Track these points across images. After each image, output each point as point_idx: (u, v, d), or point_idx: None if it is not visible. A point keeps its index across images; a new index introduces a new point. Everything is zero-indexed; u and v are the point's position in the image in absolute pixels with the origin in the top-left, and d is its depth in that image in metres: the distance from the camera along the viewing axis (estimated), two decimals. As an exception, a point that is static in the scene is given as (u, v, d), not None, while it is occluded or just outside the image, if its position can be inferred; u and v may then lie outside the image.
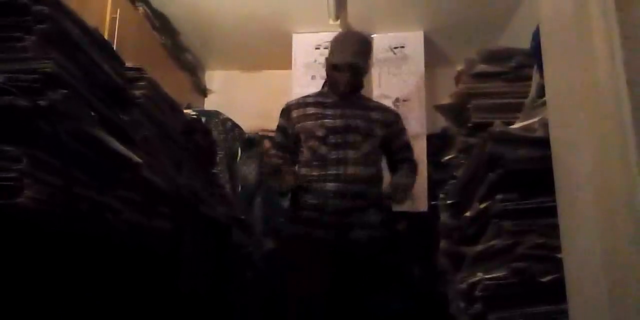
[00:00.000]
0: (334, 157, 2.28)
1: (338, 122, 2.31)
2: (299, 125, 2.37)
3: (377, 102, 2.61)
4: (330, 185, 2.26)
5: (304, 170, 2.35)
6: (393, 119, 2.43)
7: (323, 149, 2.30)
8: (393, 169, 2.46)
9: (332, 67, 2.36)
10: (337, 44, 2.39)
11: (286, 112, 2.44)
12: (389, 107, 2.66)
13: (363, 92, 2.54)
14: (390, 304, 2.43)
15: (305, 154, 2.36)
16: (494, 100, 1.94)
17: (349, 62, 2.30)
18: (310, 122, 2.34)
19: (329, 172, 2.27)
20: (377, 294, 2.29)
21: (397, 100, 3.42)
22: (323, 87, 2.50)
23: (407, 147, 2.46)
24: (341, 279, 2.19)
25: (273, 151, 2.48)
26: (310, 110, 2.37)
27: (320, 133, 2.31)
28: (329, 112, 2.35)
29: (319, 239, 2.22)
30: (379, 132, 2.33)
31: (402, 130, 2.47)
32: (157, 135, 1.56)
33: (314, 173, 2.30)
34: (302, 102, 2.44)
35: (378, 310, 2.35)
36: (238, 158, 2.93)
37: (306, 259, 2.23)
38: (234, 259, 2.28)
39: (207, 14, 3.24)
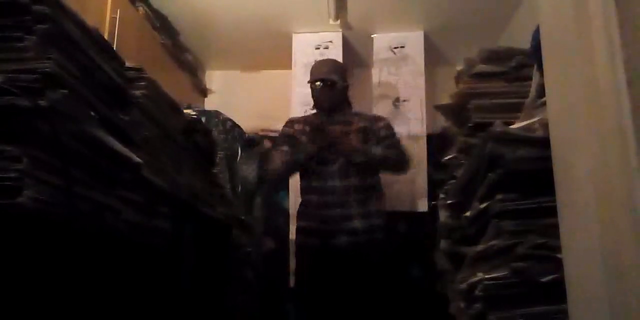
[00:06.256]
0: (317, 171, 2.50)
1: None
2: (299, 137, 2.59)
3: (362, 114, 2.70)
4: (314, 197, 2.49)
5: (301, 183, 2.59)
6: (369, 124, 2.56)
7: (310, 164, 2.52)
8: None
9: (310, 86, 2.58)
10: (313, 67, 2.64)
11: (289, 123, 2.68)
12: (368, 115, 2.76)
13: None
14: (389, 304, 2.45)
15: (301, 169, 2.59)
16: (494, 100, 1.94)
17: (322, 77, 2.52)
18: (305, 138, 2.57)
19: (313, 184, 2.50)
20: (370, 296, 2.40)
21: (397, 100, 3.42)
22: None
23: (394, 146, 2.55)
24: (332, 282, 2.40)
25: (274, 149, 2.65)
26: (307, 128, 2.59)
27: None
28: None
29: (310, 246, 2.48)
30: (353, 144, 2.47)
31: (387, 137, 2.56)
32: (157, 135, 1.56)
33: (304, 185, 2.55)
34: (304, 120, 2.67)
35: (377, 310, 2.37)
36: (238, 158, 2.93)
37: (304, 264, 2.51)
38: (234, 259, 2.28)
39: (207, 14, 3.24)
